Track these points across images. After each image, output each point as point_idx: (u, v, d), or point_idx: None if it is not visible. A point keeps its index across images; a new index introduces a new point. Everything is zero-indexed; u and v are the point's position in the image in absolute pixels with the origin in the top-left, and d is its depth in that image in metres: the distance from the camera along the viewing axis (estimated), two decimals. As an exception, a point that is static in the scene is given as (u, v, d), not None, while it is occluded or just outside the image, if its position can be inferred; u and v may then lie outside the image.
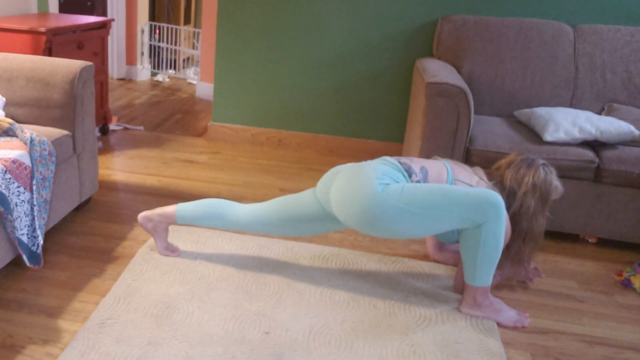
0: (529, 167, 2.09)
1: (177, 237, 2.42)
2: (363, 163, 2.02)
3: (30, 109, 2.40)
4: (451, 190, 1.90)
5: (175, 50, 6.09)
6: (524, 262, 2.15)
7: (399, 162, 2.03)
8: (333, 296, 2.09)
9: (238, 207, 2.20)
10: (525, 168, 2.10)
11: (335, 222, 2.10)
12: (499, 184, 2.13)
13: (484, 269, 1.94)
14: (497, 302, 2.03)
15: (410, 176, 1.99)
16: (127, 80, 5.72)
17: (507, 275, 2.24)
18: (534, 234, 2.09)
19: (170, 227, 2.47)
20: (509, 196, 2.09)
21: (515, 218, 2.08)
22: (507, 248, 2.09)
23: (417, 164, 2.04)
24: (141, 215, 2.23)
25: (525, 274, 2.28)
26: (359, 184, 1.92)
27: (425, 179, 2.00)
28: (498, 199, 1.88)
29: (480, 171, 2.15)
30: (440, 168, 2.05)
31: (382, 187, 1.90)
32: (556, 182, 2.11)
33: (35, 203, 2.02)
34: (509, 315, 2.02)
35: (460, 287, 2.16)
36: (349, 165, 2.06)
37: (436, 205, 1.87)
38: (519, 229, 2.08)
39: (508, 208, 2.07)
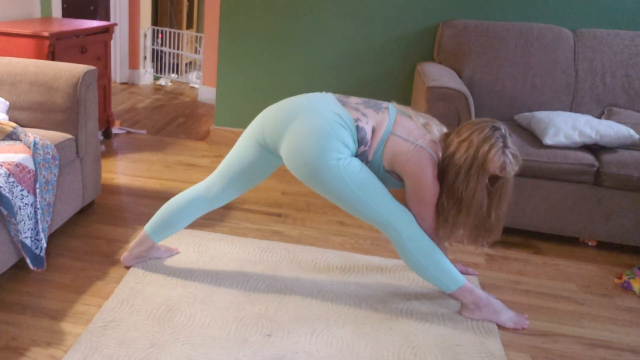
0: (477, 124, 1.93)
1: (179, 240, 2.43)
2: (322, 118, 1.91)
3: (34, 112, 2.42)
4: (384, 198, 1.95)
5: (177, 55, 6.11)
6: (455, 226, 1.98)
7: (357, 125, 1.95)
8: (334, 299, 2.10)
9: (192, 192, 2.15)
10: (474, 124, 1.94)
11: (278, 158, 2.07)
12: (445, 137, 2.00)
13: (440, 275, 1.99)
14: (495, 303, 2.05)
15: (360, 145, 1.95)
16: (129, 84, 5.75)
17: (441, 235, 2.08)
18: (461, 196, 1.90)
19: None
20: (445, 149, 1.97)
21: (444, 166, 1.94)
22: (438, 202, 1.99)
23: (370, 124, 1.96)
24: (123, 258, 2.21)
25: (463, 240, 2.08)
26: (317, 148, 1.88)
27: (370, 137, 1.97)
28: (403, 228, 1.95)
29: (434, 126, 2.02)
30: (382, 124, 1.97)
31: (337, 161, 1.89)
32: (495, 152, 1.86)
33: (38, 206, 2.03)
34: (508, 315, 2.04)
35: None
36: (305, 110, 1.94)
37: (372, 198, 1.94)
38: (445, 179, 1.94)
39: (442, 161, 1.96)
